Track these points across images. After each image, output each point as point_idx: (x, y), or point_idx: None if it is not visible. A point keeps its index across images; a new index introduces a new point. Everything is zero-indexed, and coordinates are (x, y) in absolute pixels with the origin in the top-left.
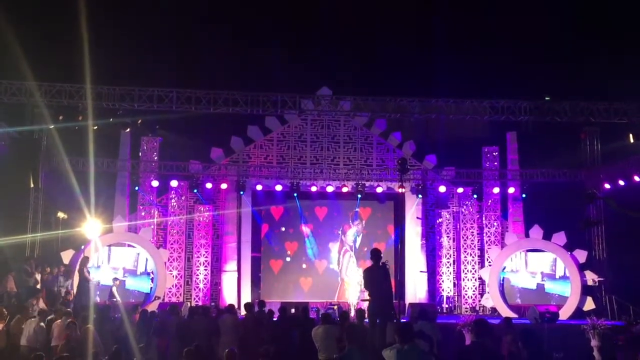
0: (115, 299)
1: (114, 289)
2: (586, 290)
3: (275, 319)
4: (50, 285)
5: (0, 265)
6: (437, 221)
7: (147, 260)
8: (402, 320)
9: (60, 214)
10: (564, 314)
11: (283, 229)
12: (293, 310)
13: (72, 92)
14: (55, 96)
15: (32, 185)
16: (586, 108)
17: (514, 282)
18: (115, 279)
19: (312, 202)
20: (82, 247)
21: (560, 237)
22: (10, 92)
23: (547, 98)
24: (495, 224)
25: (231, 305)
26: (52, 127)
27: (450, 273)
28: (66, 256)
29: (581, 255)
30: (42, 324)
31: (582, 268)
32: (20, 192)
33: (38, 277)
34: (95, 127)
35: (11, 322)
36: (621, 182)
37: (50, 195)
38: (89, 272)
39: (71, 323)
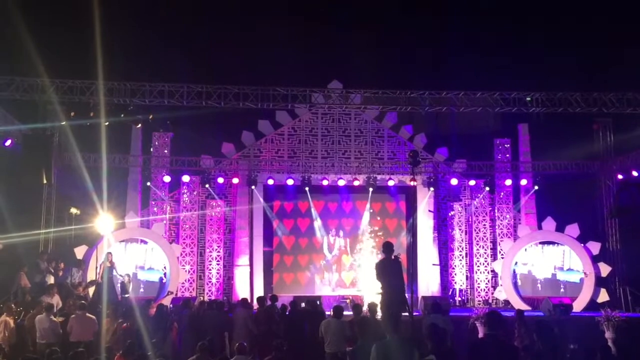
0: (127, 295)
1: (126, 284)
2: (600, 282)
3: (287, 313)
4: (62, 280)
5: (14, 262)
6: (449, 214)
7: (152, 251)
8: (404, 313)
9: (73, 210)
10: (578, 305)
11: (295, 222)
12: (304, 304)
13: (83, 89)
14: (67, 93)
15: (44, 182)
16: (599, 99)
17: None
18: (126, 275)
19: (323, 195)
20: (96, 243)
21: (573, 229)
22: (23, 89)
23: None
24: (507, 216)
25: (245, 300)
26: (64, 123)
27: (462, 266)
28: (79, 252)
29: (595, 247)
30: (52, 317)
31: (595, 260)
32: (33, 189)
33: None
34: (107, 123)
35: (25, 318)
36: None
37: (63, 192)
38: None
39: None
